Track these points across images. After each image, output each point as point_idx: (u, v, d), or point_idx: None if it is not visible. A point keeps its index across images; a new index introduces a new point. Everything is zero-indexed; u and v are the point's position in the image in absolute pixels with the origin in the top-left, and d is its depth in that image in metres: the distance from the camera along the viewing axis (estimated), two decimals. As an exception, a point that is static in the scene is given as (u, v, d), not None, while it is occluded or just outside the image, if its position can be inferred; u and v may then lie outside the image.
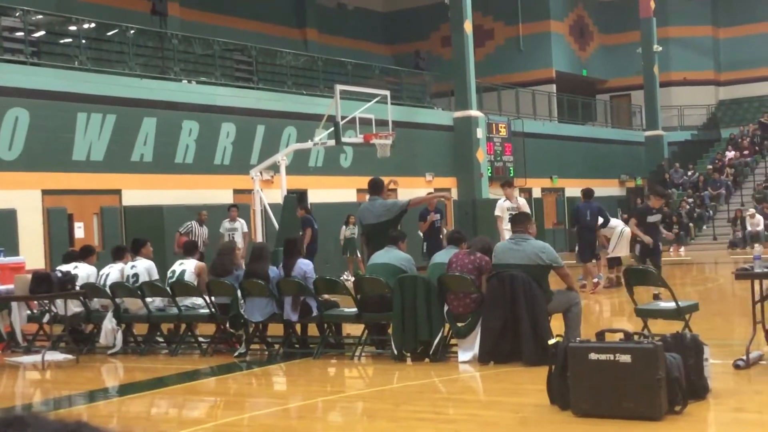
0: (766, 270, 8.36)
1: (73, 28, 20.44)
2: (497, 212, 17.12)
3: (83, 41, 20.11)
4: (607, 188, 34.39)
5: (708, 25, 40.65)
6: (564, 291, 9.40)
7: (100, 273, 11.90)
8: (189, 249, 12.21)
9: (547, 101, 35.21)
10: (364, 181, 25.23)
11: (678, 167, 35.34)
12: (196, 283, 11.22)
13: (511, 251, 9.26)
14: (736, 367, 8.04)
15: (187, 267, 11.50)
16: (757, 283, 8.35)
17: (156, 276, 11.57)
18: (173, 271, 11.57)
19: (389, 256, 10.26)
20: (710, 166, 34.74)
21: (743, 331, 8.75)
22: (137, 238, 13.01)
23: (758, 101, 39.48)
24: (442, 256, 10.06)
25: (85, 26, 20.53)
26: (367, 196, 11.63)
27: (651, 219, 14.53)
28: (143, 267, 11.57)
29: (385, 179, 12.37)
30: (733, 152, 35.06)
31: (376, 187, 11.39)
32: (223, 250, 11.66)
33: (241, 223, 18.20)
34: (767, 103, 38.91)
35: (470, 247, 9.83)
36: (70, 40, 20.43)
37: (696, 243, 30.49)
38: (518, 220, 9.68)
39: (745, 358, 8.08)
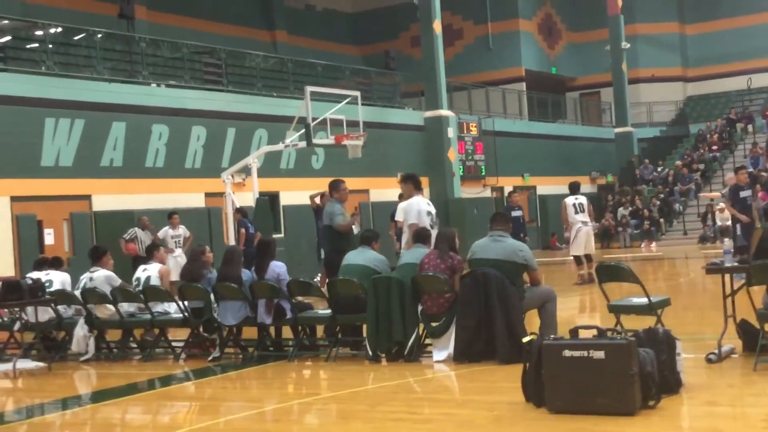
0: (736, 264, 8.44)
1: (39, 32, 20.25)
2: (400, 216, 16.80)
3: (50, 46, 19.93)
4: (578, 185, 34.52)
5: (675, 22, 41.00)
6: (538, 288, 9.43)
7: (81, 278, 11.74)
8: (151, 253, 12.10)
9: (518, 100, 35.34)
10: (336, 183, 25.14)
11: (648, 163, 35.60)
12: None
13: (488, 247, 9.31)
14: (709, 361, 8.11)
15: (152, 272, 11.41)
16: (727, 277, 8.43)
17: (117, 283, 11.41)
18: (138, 279, 11.47)
19: (363, 257, 10.25)
20: (679, 162, 35.02)
21: (715, 325, 8.82)
22: (97, 246, 12.88)
23: (725, 96, 39.85)
24: (409, 256, 9.99)
25: (52, 31, 20.35)
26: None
27: (743, 194, 15.39)
28: (100, 279, 11.37)
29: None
30: (698, 149, 35.41)
31: (330, 189, 12.05)
32: (193, 255, 11.56)
33: (183, 230, 17.99)
34: (734, 98, 39.29)
35: (438, 241, 9.74)
36: (37, 45, 20.25)
37: (666, 238, 30.72)
38: (498, 220, 9.70)
39: (717, 351, 8.15)
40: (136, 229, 17.61)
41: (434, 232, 11.13)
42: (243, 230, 17.80)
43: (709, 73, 40.28)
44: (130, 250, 17.23)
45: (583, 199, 17.50)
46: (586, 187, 35.60)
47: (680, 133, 39.03)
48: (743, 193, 15.81)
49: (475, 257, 9.33)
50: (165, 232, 17.69)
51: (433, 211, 11.42)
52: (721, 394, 7.20)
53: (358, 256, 10.31)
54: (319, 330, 10.97)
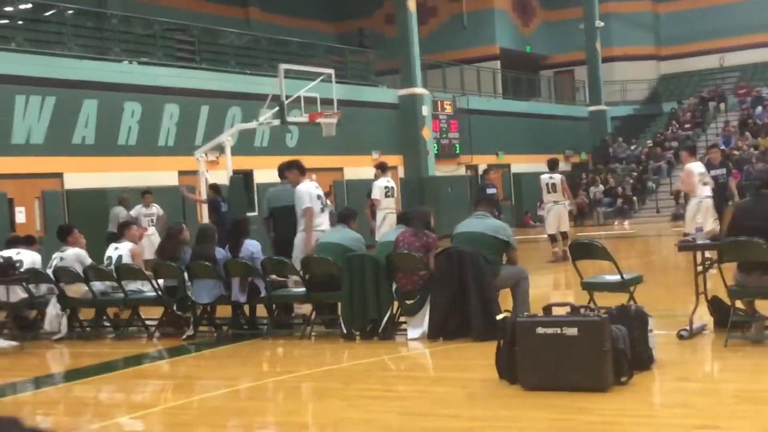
0: (707, 241, 8.51)
1: (9, 8, 19.98)
2: (376, 194, 16.88)
3: (20, 22, 19.68)
4: (552, 163, 34.59)
5: (648, 1, 41.08)
6: (512, 266, 9.50)
7: (53, 257, 11.65)
8: (122, 231, 12.02)
9: (492, 78, 35.34)
10: (310, 161, 24.97)
11: (621, 141, 35.76)
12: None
13: (472, 223, 9.50)
14: (680, 337, 8.19)
15: (123, 251, 11.34)
16: (699, 254, 8.50)
17: (88, 262, 11.35)
18: (110, 257, 11.39)
19: (339, 235, 10.25)
20: (649, 142, 35.22)
21: (687, 301, 8.90)
22: (63, 225, 12.79)
23: (698, 75, 40.06)
24: (390, 235, 10.09)
25: (22, 7, 20.08)
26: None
27: (714, 173, 15.14)
28: (71, 258, 11.31)
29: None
30: (671, 127, 35.61)
31: (282, 170, 11.77)
32: (170, 234, 11.49)
33: (156, 208, 17.84)
34: (707, 77, 39.50)
35: (413, 219, 9.82)
36: (7, 21, 19.98)
37: (639, 216, 30.93)
38: (482, 202, 9.87)
39: (688, 328, 8.23)
40: (120, 209, 17.34)
41: (324, 217, 11.22)
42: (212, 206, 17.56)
43: (682, 51, 40.45)
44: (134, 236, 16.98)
45: (557, 178, 17.54)
46: (560, 165, 35.68)
47: (653, 111, 39.23)
48: (714, 172, 15.53)
49: (458, 231, 9.48)
50: (137, 210, 17.56)
51: (323, 194, 11.46)
52: (692, 370, 7.27)
53: (335, 235, 10.32)
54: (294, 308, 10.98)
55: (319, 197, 11.25)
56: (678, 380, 6.86)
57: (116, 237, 12.38)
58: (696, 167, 14.86)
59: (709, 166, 15.65)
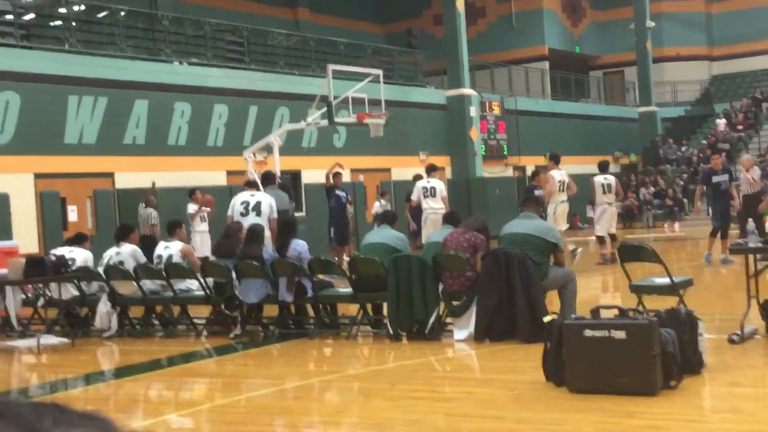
0: (759, 245, 8.38)
1: (62, 10, 20.31)
2: (413, 196, 17.29)
3: (73, 23, 19.98)
4: (601, 165, 34.26)
5: (700, 0, 40.53)
6: (559, 268, 9.44)
7: (106, 253, 11.80)
8: (172, 229, 12.09)
9: (540, 78, 35.12)
10: (358, 162, 25.23)
11: (672, 143, 35.32)
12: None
13: (519, 223, 9.47)
14: (731, 341, 8.07)
15: (173, 250, 11.43)
16: (751, 257, 8.37)
17: (143, 260, 11.50)
18: (159, 256, 11.50)
19: (383, 235, 10.28)
20: (704, 141, 34.74)
21: (738, 305, 8.76)
22: (125, 223, 13.00)
23: (751, 76, 39.42)
24: (438, 236, 10.08)
25: (75, 8, 20.40)
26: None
27: (716, 179, 15.80)
28: (127, 253, 11.48)
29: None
30: (724, 120, 35.04)
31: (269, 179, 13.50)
32: (229, 232, 11.59)
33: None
34: (760, 77, 38.87)
35: (466, 226, 9.84)
36: (60, 22, 20.31)
37: (690, 218, 30.49)
38: (529, 203, 9.87)
39: (739, 332, 8.11)
40: (149, 210, 17.62)
41: (249, 220, 11.83)
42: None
43: (735, 52, 39.82)
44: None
45: (611, 180, 17.45)
46: (609, 167, 35.33)
47: (705, 112, 38.69)
48: (716, 178, 15.90)
49: (506, 232, 9.44)
50: (192, 209, 17.70)
51: (252, 202, 12.32)
52: (743, 375, 7.16)
53: (379, 234, 10.35)
54: (341, 308, 11.02)
55: (243, 203, 12.38)
56: (728, 385, 6.76)
57: (147, 240, 12.69)
58: (558, 175, 16.13)
59: (712, 172, 16.11)
